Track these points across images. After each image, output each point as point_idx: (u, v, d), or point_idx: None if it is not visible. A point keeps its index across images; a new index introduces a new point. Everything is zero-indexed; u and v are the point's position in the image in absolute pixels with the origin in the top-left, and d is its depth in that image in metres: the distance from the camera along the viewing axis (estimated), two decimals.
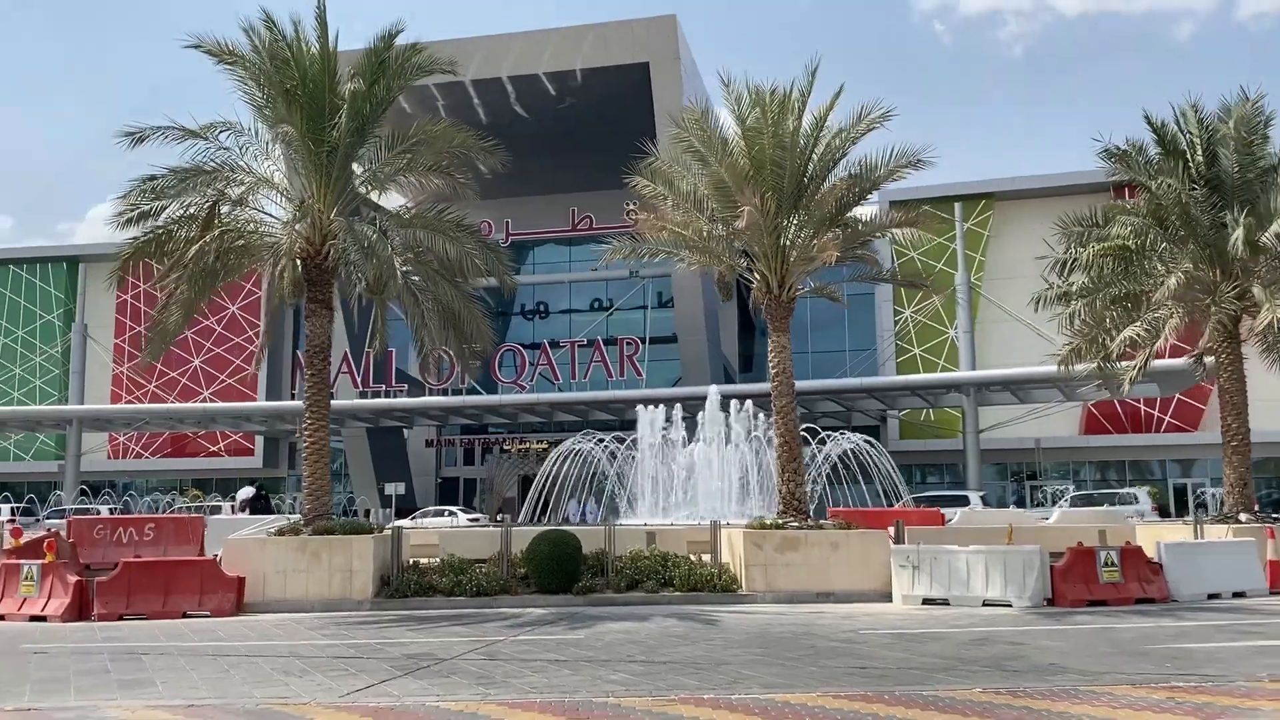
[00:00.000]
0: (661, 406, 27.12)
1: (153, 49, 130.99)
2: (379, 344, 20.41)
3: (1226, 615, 14.03)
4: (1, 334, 59.06)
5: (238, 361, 55.84)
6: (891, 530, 16.66)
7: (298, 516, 17.78)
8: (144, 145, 17.32)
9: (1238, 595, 15.80)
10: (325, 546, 15.94)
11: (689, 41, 47.94)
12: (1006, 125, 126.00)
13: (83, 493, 48.47)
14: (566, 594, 15.81)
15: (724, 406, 25.89)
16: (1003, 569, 15.12)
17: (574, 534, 16.29)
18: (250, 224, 17.45)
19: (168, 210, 16.73)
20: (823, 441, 25.61)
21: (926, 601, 15.33)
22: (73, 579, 14.91)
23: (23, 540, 17.41)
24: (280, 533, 16.49)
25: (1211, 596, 15.53)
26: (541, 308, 56.52)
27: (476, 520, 39.16)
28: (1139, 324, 18.18)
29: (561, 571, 15.85)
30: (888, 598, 15.74)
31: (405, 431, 54.88)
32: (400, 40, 17.65)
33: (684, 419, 26.46)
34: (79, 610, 14.67)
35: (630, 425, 32.58)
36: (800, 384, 37.25)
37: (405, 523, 26.60)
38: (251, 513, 30.77)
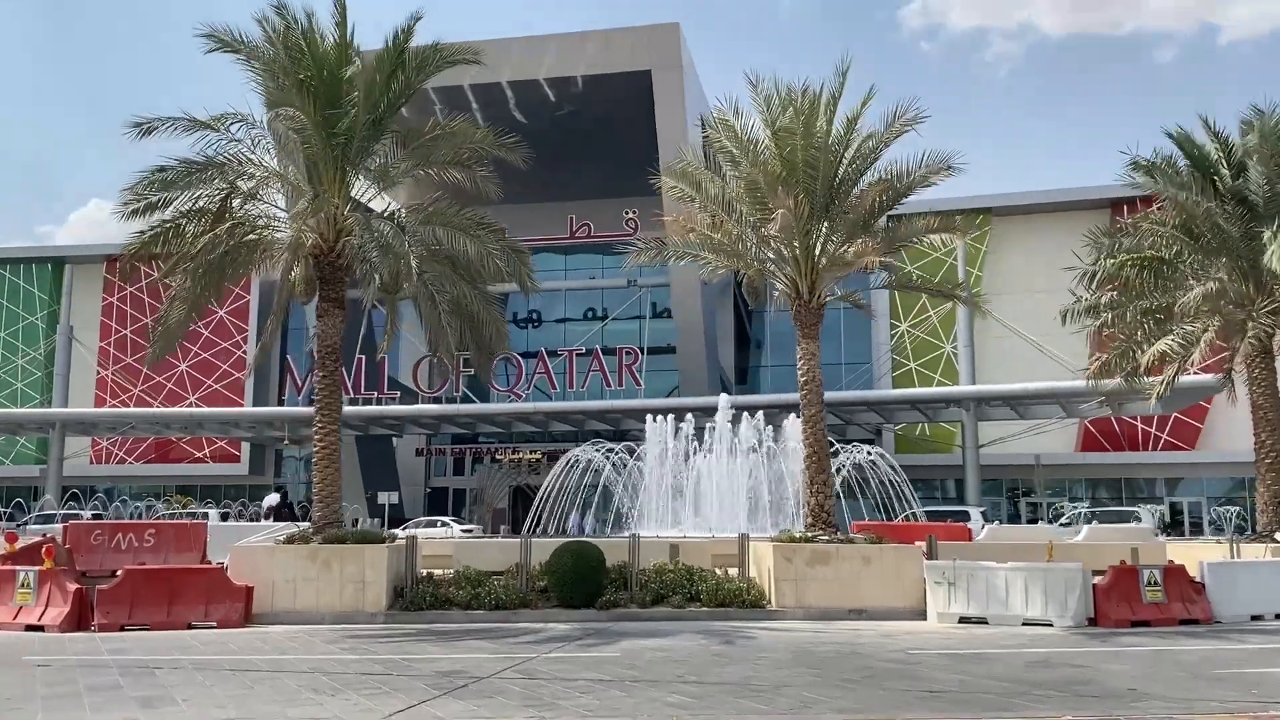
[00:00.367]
0: (670, 417, 26.54)
1: (135, 45, 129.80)
2: (386, 345, 19.78)
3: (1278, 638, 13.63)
4: None
5: (225, 366, 54.92)
6: (924, 545, 16.16)
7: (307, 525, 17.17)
8: (147, 141, 16.70)
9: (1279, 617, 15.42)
10: (336, 556, 15.24)
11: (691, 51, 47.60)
12: (995, 144, 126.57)
13: (73, 497, 47.39)
14: (589, 609, 15.16)
15: (735, 417, 25.39)
16: (1043, 587, 14.60)
17: (597, 546, 15.67)
18: (262, 219, 16.79)
19: (176, 202, 16.06)
20: (835, 454, 25.07)
21: (963, 620, 14.79)
22: (72, 587, 14.15)
23: (18, 545, 16.65)
24: (289, 541, 15.79)
25: (1254, 618, 15.05)
26: (535, 316, 55.88)
27: (470, 532, 38.43)
28: (1172, 336, 17.71)
29: (584, 585, 15.20)
30: (921, 615, 15.19)
31: (395, 440, 54.11)
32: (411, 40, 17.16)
33: (695, 429, 25.90)
34: (78, 620, 13.91)
35: (626, 435, 32.00)
36: (786, 396, 36.84)
37: (398, 532, 25.92)
38: (276, 519, 30.07)
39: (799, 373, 17.36)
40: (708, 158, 18.78)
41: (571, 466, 26.94)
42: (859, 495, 26.27)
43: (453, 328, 17.24)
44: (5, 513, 43.01)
